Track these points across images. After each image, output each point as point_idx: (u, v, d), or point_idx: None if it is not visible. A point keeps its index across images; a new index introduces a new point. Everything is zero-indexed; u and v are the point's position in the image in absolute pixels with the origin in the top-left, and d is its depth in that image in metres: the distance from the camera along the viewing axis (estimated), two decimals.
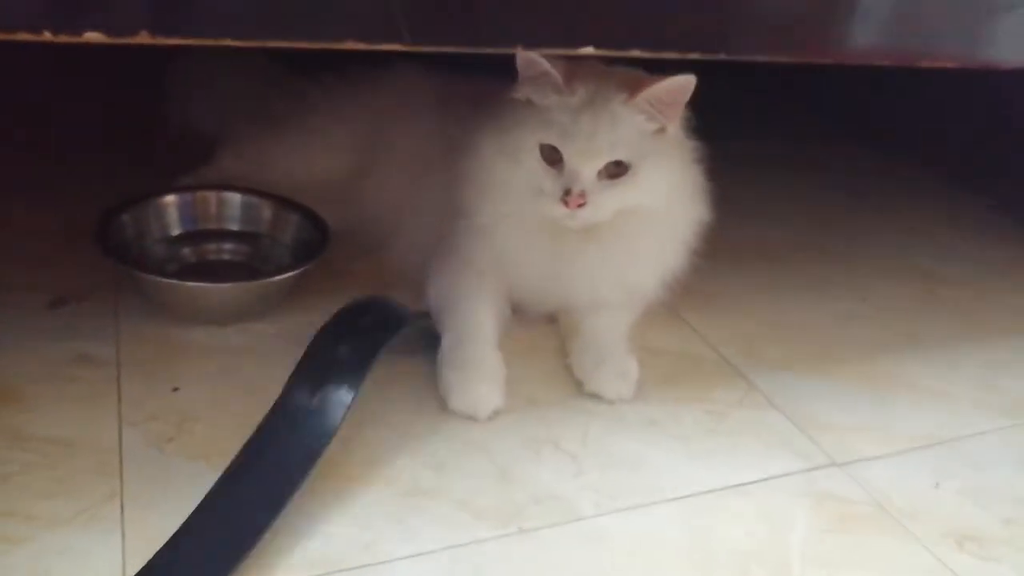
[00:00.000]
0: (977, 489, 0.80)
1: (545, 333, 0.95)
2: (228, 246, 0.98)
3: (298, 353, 0.86)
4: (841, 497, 0.77)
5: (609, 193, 0.83)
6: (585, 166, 0.82)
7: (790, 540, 0.71)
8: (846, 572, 0.69)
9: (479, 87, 0.95)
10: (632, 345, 0.91)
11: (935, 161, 1.50)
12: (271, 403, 0.79)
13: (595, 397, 0.86)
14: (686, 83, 0.80)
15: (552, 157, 0.83)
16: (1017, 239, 1.31)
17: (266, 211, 0.98)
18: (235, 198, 0.98)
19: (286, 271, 0.89)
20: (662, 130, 0.84)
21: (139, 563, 0.63)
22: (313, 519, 0.68)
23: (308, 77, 1.10)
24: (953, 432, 0.87)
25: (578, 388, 0.87)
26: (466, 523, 0.70)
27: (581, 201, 0.81)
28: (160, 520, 0.67)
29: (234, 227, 0.98)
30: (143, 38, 0.43)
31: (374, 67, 1.07)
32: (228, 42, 0.46)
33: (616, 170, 0.83)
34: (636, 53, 0.53)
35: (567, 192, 0.81)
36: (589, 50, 0.52)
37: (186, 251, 0.96)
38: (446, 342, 0.85)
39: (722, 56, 0.56)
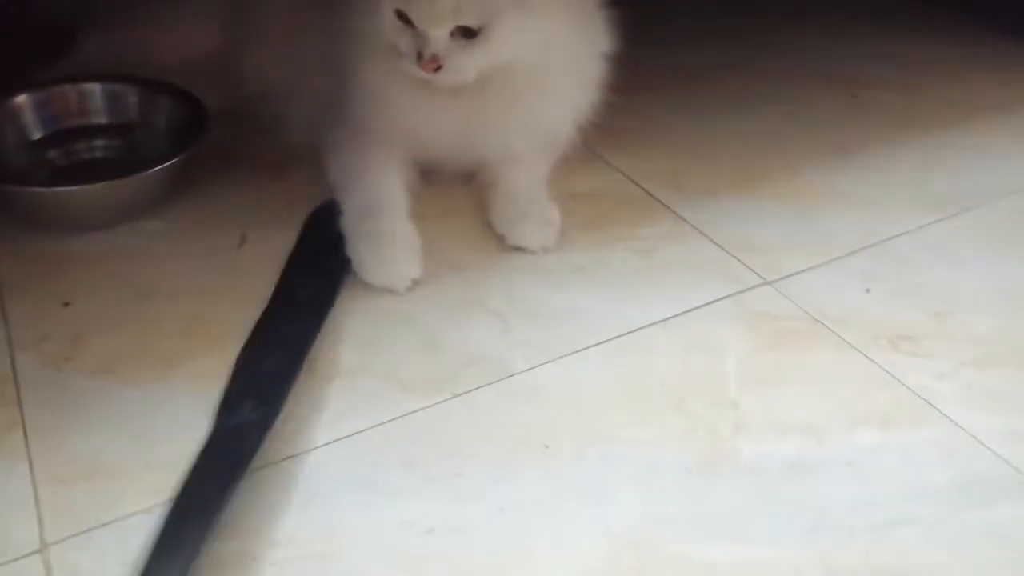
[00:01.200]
0: (907, 288, 0.79)
1: (460, 193, 0.89)
2: (98, 142, 0.88)
3: (192, 245, 0.82)
4: (774, 315, 0.75)
5: (466, 54, 0.76)
6: (432, 30, 0.75)
7: (725, 365, 0.70)
8: (783, 389, 0.68)
9: None
10: (552, 192, 0.87)
11: None
12: (169, 306, 0.74)
13: (519, 250, 0.82)
14: None
15: (406, 17, 0.76)
16: (942, 32, 1.27)
17: (132, 98, 0.88)
18: (96, 88, 0.88)
19: (164, 161, 0.81)
20: None
21: (52, 492, 0.59)
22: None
23: None
24: (881, 235, 0.85)
25: (500, 245, 0.83)
26: (395, 397, 0.67)
27: (435, 65, 0.75)
28: (67, 442, 0.63)
29: (101, 120, 0.88)
30: None
31: None
32: None
33: (470, 32, 0.75)
34: None
35: (419, 56, 0.75)
36: None
37: (52, 154, 0.87)
38: (351, 214, 0.79)
39: None
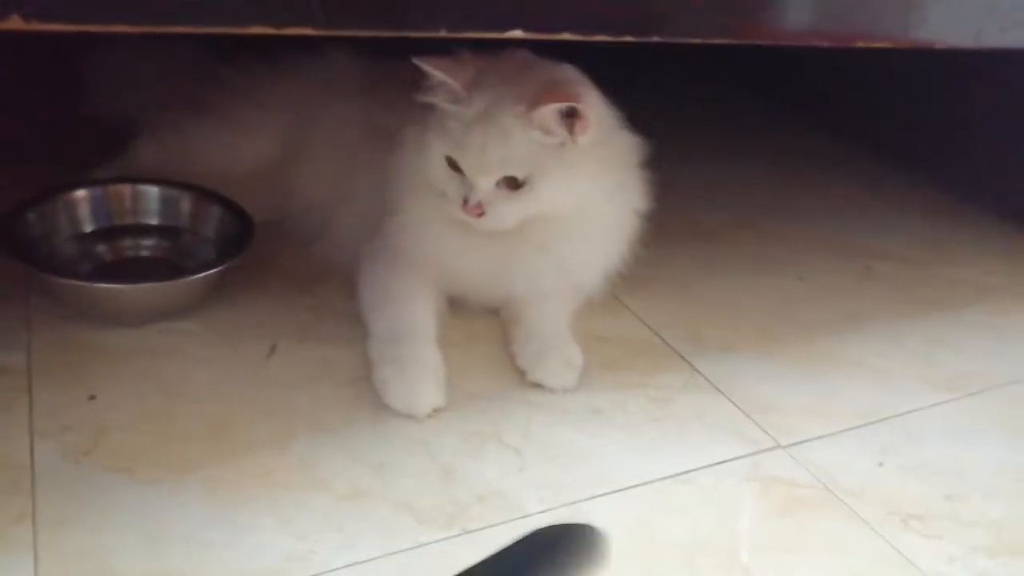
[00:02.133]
0: (919, 465, 0.80)
1: (484, 323, 0.92)
2: (147, 242, 0.92)
3: (224, 350, 0.83)
4: (787, 480, 0.76)
5: (509, 204, 0.81)
6: (479, 179, 0.80)
7: (737, 527, 0.70)
8: (795, 557, 0.68)
9: (412, 72, 0.91)
10: (574, 332, 0.89)
11: (868, 139, 1.51)
12: (193, 408, 0.76)
13: (538, 387, 0.83)
14: (578, 95, 0.77)
15: (455, 164, 0.81)
16: (952, 214, 1.33)
17: (186, 204, 0.92)
18: (152, 191, 0.92)
19: (209, 267, 0.84)
20: (564, 143, 0.80)
21: None
22: (245, 530, 0.65)
23: (233, 64, 1.04)
24: (895, 409, 0.87)
25: (520, 379, 0.84)
26: (407, 526, 0.67)
27: (479, 211, 0.80)
28: (76, 538, 0.63)
29: (152, 221, 0.92)
30: (14, 23, 0.38)
31: (303, 52, 1.03)
32: (120, 28, 0.41)
33: (515, 182, 0.80)
34: (567, 36, 0.50)
35: (465, 201, 0.80)
36: (518, 33, 0.49)
37: (101, 248, 0.90)
38: (378, 336, 0.81)
39: (655, 39, 0.53)
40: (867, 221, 1.27)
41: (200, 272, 0.84)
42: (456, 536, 0.67)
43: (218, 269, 0.84)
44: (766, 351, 0.94)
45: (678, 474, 0.75)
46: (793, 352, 0.95)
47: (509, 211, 0.81)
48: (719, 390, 0.87)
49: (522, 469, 0.74)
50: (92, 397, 0.76)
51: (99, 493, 0.67)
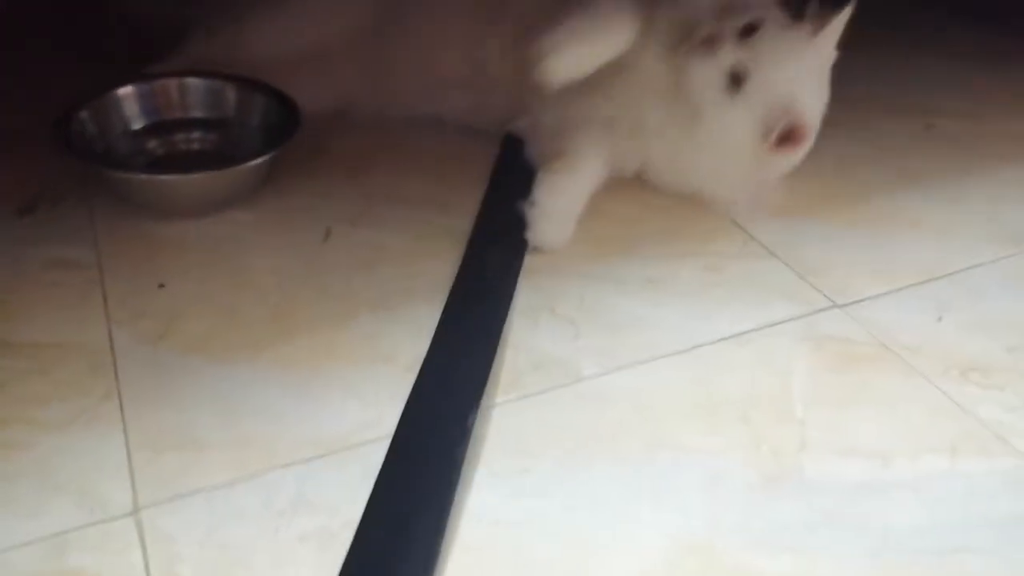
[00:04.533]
0: (980, 320, 0.79)
1: None
2: (196, 135, 0.93)
3: (280, 237, 0.86)
4: (843, 338, 0.76)
5: None
6: None
7: (792, 383, 0.71)
8: (850, 411, 0.69)
9: None
10: (628, 201, 0.91)
11: None
12: (257, 293, 0.78)
13: (591, 259, 0.84)
14: None
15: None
16: (1015, 64, 1.26)
17: (230, 94, 0.93)
18: (197, 84, 0.93)
19: (257, 156, 0.85)
20: None
21: (145, 459, 0.63)
22: (316, 400, 0.68)
23: None
24: (955, 265, 0.85)
25: (574, 253, 0.85)
26: None
27: None
28: (160, 414, 0.66)
29: (199, 114, 0.93)
30: None
31: None
32: None
33: None
34: None
35: None
36: None
37: (152, 143, 0.92)
38: None
39: None
40: (927, 77, 1.21)
41: (248, 161, 0.85)
42: (514, 400, 0.69)
43: (265, 158, 0.85)
44: (823, 214, 0.93)
45: (732, 336, 0.76)
46: (851, 214, 0.93)
47: None
48: (775, 254, 0.86)
49: (577, 337, 0.75)
50: (161, 285, 0.79)
51: (177, 373, 0.70)
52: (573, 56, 0.83)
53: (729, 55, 0.83)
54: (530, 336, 0.75)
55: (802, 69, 0.86)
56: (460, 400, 0.67)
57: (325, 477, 0.62)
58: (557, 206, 0.84)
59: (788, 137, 0.84)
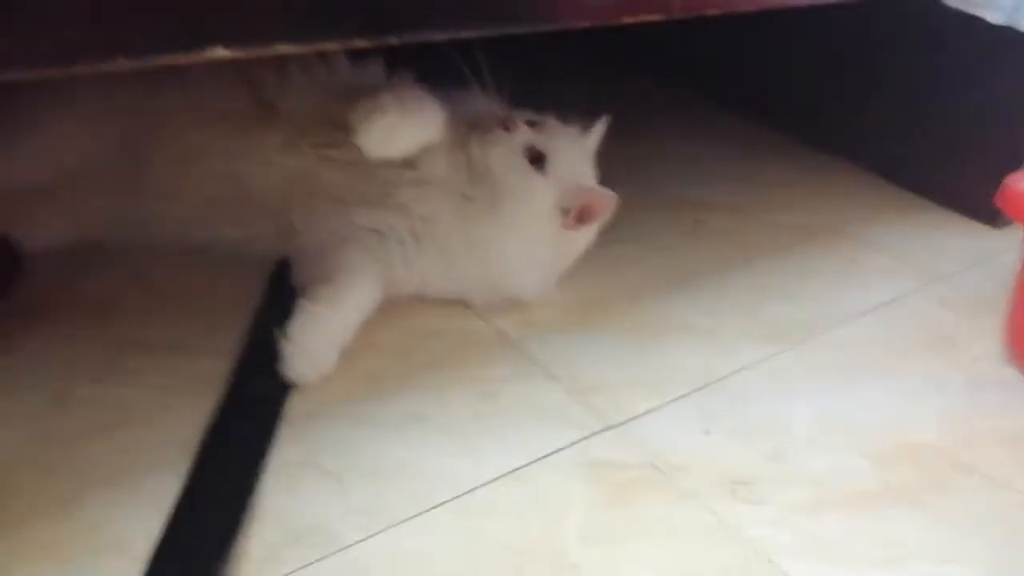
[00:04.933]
0: (745, 427, 0.80)
1: None
2: None
3: (1, 404, 0.75)
4: (615, 463, 0.75)
5: None
6: None
7: (565, 524, 0.69)
8: (624, 547, 0.67)
9: None
10: (399, 328, 0.86)
11: (704, 87, 1.51)
12: None
13: (352, 398, 0.79)
14: None
15: None
16: (785, 156, 1.35)
17: None
18: None
19: None
20: None
21: None
22: None
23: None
24: (720, 371, 0.87)
25: (334, 388, 0.79)
26: None
27: None
28: None
29: None
30: None
31: None
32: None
33: None
34: (283, 48, 0.44)
35: None
36: (221, 52, 0.43)
37: None
38: None
39: (393, 40, 0.48)
40: (699, 171, 1.27)
41: None
42: None
43: None
44: (598, 325, 0.93)
45: (505, 474, 0.73)
46: (625, 323, 0.94)
47: None
48: (551, 374, 0.85)
49: (341, 494, 0.70)
50: None
51: None
52: (389, 127, 0.80)
53: (525, 135, 0.88)
54: (290, 499, 0.69)
55: (583, 158, 0.94)
56: None
57: None
58: (313, 338, 0.79)
59: (585, 214, 0.90)
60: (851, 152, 1.33)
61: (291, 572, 0.63)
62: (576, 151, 0.93)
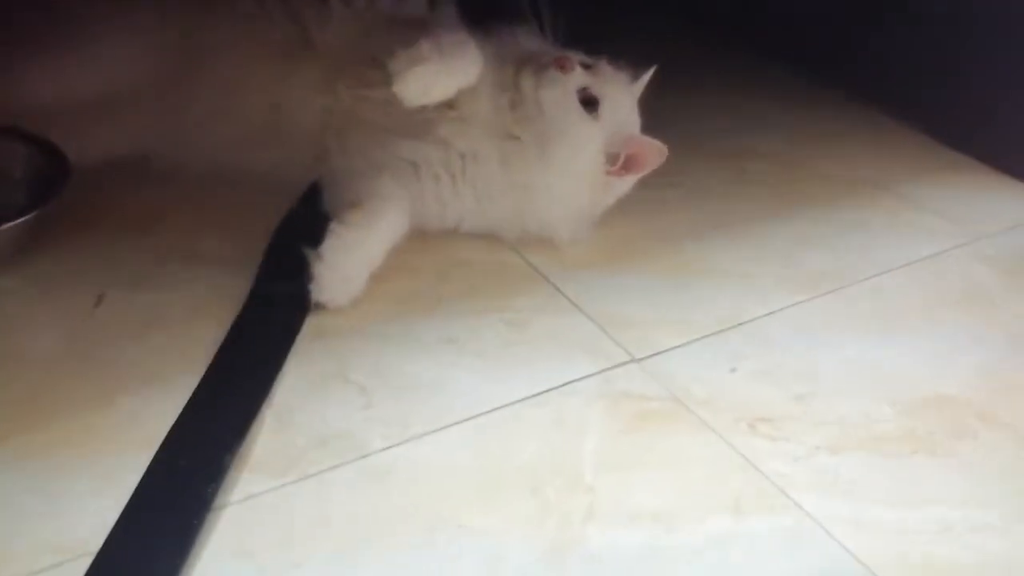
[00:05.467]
0: (771, 368, 0.80)
1: None
2: None
3: (45, 306, 0.78)
4: (638, 395, 0.75)
5: None
6: None
7: (583, 447, 0.70)
8: (639, 473, 0.68)
9: None
10: (432, 259, 0.88)
11: (741, 33, 1.48)
12: (12, 371, 0.70)
13: (388, 319, 0.81)
14: None
15: None
16: (830, 107, 1.32)
17: None
18: None
19: (18, 215, 0.77)
20: None
21: None
22: (61, 497, 0.61)
23: None
24: (752, 313, 0.87)
25: (370, 309, 0.81)
26: (239, 479, 0.64)
27: None
28: None
29: None
30: None
31: None
32: None
33: None
34: None
35: None
36: None
37: None
38: None
39: None
40: (744, 121, 1.25)
41: (8, 221, 0.76)
42: (292, 483, 0.64)
43: (27, 217, 0.77)
44: (632, 265, 0.93)
45: (528, 397, 0.74)
46: (659, 264, 0.93)
47: None
48: (579, 308, 0.85)
49: (368, 407, 0.71)
50: None
51: None
52: (427, 76, 0.81)
53: (580, 77, 0.87)
54: (319, 407, 0.71)
55: (633, 105, 0.92)
56: (202, 472, 0.62)
57: None
58: (345, 261, 0.79)
59: (633, 162, 0.90)
60: (899, 108, 1.30)
61: (317, 473, 0.65)
62: (627, 97, 0.92)
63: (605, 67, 0.91)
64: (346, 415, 0.70)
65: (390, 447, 0.68)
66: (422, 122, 0.88)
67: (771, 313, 0.87)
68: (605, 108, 0.88)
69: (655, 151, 0.89)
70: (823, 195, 1.10)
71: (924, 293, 0.93)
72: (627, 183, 0.93)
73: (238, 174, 0.93)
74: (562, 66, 0.86)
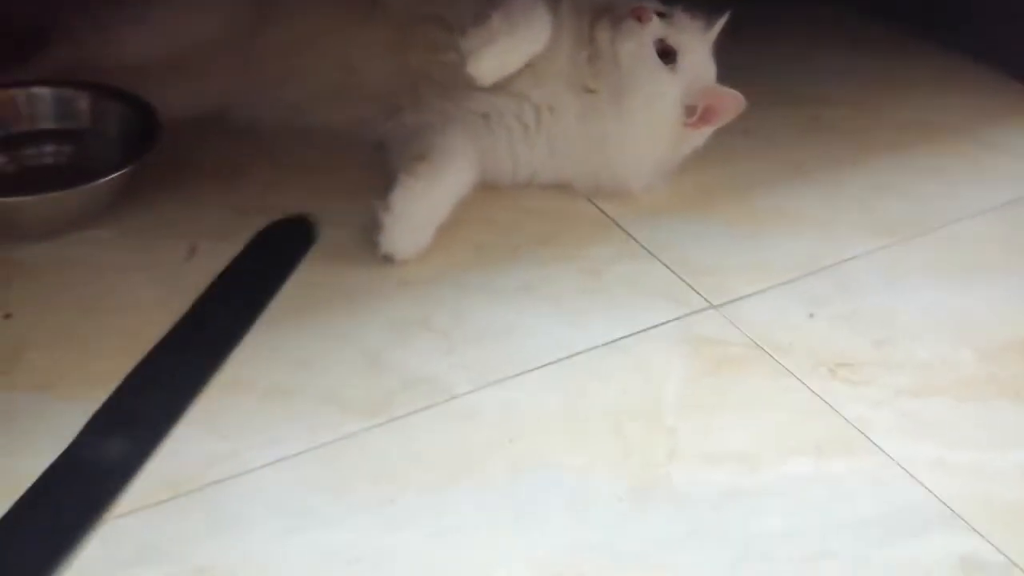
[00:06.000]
0: (850, 314, 0.80)
1: None
2: (48, 148, 0.87)
3: (140, 256, 0.81)
4: (716, 340, 0.76)
5: None
6: None
7: (664, 390, 0.71)
8: (720, 415, 0.69)
9: None
10: (506, 206, 0.89)
11: None
12: (111, 320, 0.74)
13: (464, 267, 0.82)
14: None
15: None
16: (902, 52, 1.28)
17: (83, 103, 0.87)
18: (46, 94, 0.87)
19: (114, 170, 0.80)
20: None
21: None
22: (170, 437, 0.64)
23: None
24: (829, 259, 0.86)
25: (448, 259, 0.82)
26: (333, 419, 0.67)
27: None
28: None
29: (51, 126, 0.87)
30: None
31: None
32: None
33: None
34: None
35: None
36: None
37: (0, 160, 0.86)
38: None
39: None
40: (815, 68, 1.22)
41: (104, 176, 0.80)
42: (382, 424, 0.67)
43: (125, 170, 0.80)
44: (705, 212, 0.93)
45: (607, 343, 0.75)
46: (733, 211, 0.93)
47: None
48: (654, 256, 0.86)
49: (450, 352, 0.73)
50: (7, 316, 0.74)
51: (22, 414, 0.66)
52: (500, 55, 0.82)
53: (658, 29, 0.86)
54: (403, 353, 0.73)
55: (708, 54, 0.91)
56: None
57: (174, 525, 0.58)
58: (413, 212, 0.80)
59: (710, 114, 0.89)
60: (977, 50, 1.25)
61: (405, 415, 0.67)
62: (703, 47, 0.91)
63: (681, 16, 0.90)
64: (431, 360, 0.72)
65: (474, 390, 0.70)
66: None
67: (848, 260, 0.87)
68: (682, 59, 0.87)
69: (733, 101, 0.88)
70: (899, 141, 1.08)
71: (1006, 238, 0.91)
72: (704, 134, 0.92)
73: (313, 129, 0.95)
74: (639, 17, 0.86)
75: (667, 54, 0.86)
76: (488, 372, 0.71)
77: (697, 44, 0.90)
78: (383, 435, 0.66)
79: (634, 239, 0.87)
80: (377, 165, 0.89)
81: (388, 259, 0.80)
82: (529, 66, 0.87)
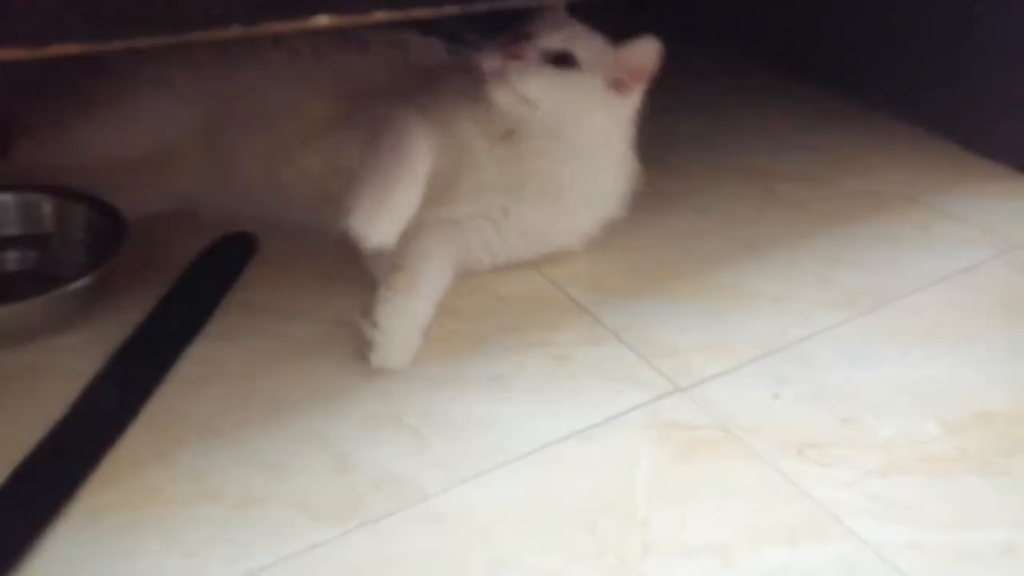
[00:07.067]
0: (815, 392, 0.81)
1: None
2: (11, 255, 0.87)
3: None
4: (686, 424, 0.77)
5: None
6: None
7: (635, 480, 0.71)
8: (692, 505, 0.69)
9: None
10: (478, 294, 0.90)
11: (766, 55, 1.49)
12: None
13: (434, 361, 0.82)
14: None
15: None
16: (852, 121, 1.33)
17: (47, 207, 0.88)
18: (7, 199, 0.87)
19: (80, 275, 0.80)
20: None
21: None
22: (130, 556, 0.63)
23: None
24: (790, 336, 0.88)
25: (420, 354, 0.83)
26: (302, 527, 0.66)
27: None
28: None
29: (14, 231, 0.87)
30: None
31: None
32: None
33: None
34: (379, 16, 0.47)
35: None
36: (323, 20, 0.45)
37: None
38: None
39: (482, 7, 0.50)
40: (769, 142, 1.26)
41: (70, 284, 0.79)
42: (352, 530, 0.66)
43: (93, 274, 0.80)
44: (667, 292, 0.94)
45: (579, 431, 0.75)
46: (694, 290, 0.95)
47: None
48: (620, 339, 0.86)
49: (421, 450, 0.73)
50: None
51: None
52: (386, 214, 0.78)
53: (536, 50, 0.84)
54: (373, 451, 0.73)
55: (596, 36, 0.89)
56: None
57: None
58: (400, 327, 0.81)
59: (637, 72, 0.88)
60: (926, 119, 1.30)
61: (373, 520, 0.67)
62: (586, 32, 0.89)
63: (538, 24, 0.87)
64: (401, 459, 0.72)
65: (446, 490, 0.69)
66: (446, 197, 0.89)
67: (809, 336, 0.88)
68: (579, 52, 0.85)
69: (647, 50, 0.87)
70: (852, 213, 1.11)
71: (963, 306, 0.94)
72: (636, 98, 0.90)
73: (286, 224, 0.95)
74: (516, 56, 0.83)
75: (563, 59, 0.85)
76: (460, 470, 0.71)
77: (590, 39, 0.88)
78: (353, 542, 0.65)
79: (600, 323, 0.88)
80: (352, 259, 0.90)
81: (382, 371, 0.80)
82: (462, 179, 0.89)
